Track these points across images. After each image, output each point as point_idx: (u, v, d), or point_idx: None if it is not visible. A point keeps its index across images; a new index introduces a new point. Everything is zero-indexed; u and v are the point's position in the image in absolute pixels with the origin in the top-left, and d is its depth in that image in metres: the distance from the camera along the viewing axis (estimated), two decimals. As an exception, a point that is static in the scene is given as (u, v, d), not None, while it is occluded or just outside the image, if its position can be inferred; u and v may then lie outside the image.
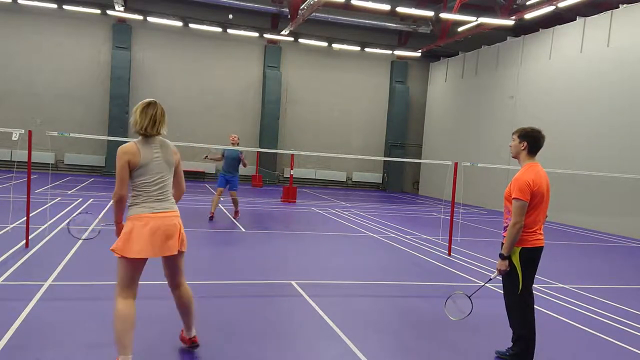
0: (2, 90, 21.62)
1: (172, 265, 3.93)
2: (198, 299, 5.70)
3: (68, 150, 22.53)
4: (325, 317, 5.27)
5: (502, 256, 4.27)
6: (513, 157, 4.54)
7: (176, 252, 3.78)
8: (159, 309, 5.00)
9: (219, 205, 14.47)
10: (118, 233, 3.75)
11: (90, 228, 4.67)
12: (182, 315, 4.12)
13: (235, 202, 12.23)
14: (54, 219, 9.98)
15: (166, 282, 4.06)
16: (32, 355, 3.90)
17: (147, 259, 3.73)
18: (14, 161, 20.73)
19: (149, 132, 3.69)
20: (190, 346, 4.17)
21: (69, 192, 14.87)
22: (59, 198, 13.30)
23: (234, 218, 12.12)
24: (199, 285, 6.26)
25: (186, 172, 27.93)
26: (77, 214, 4.87)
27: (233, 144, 11.80)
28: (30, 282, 5.78)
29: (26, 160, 7.68)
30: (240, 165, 11.94)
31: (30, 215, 7.71)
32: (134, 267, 3.68)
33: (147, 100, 3.80)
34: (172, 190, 3.87)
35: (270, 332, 4.77)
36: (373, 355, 4.38)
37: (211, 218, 11.70)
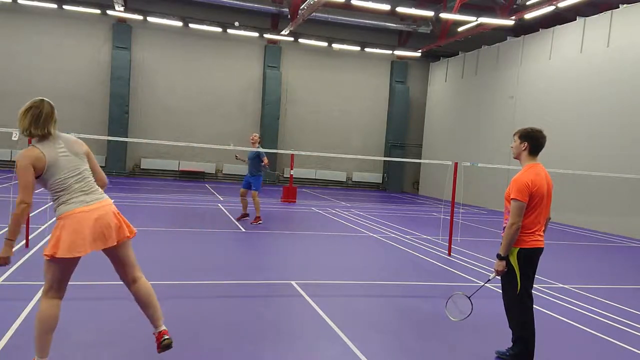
0: (2, 90, 21.61)
1: (120, 258, 3.67)
2: (198, 299, 5.72)
3: (68, 150, 22.51)
4: (325, 317, 5.27)
5: (499, 256, 4.27)
6: (515, 158, 4.52)
7: (116, 242, 3.56)
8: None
9: (220, 205, 14.48)
10: (8, 253, 3.52)
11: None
12: (144, 310, 3.74)
13: (255, 205, 11.46)
14: (54, 219, 9.96)
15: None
16: (32, 355, 3.89)
17: (79, 258, 3.50)
18: (14, 161, 20.71)
19: (33, 133, 3.48)
20: (161, 343, 3.71)
21: (69, 192, 14.86)
22: (59, 198, 13.29)
23: (252, 222, 11.39)
24: (198, 286, 6.26)
25: (186, 172, 27.75)
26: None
27: (253, 144, 11.61)
28: (30, 282, 5.77)
29: (26, 160, 7.67)
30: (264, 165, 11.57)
31: (30, 215, 7.71)
32: (67, 267, 3.50)
33: (32, 100, 3.58)
34: (95, 180, 3.68)
35: (270, 332, 4.77)
36: (373, 356, 4.38)
37: (242, 217, 11.70)
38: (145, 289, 3.72)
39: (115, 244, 3.56)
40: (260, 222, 11.41)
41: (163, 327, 3.76)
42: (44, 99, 3.59)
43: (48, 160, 3.45)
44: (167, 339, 3.70)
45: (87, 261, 7.04)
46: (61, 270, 3.49)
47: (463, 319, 4.66)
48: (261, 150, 11.37)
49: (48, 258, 3.42)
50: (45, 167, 3.46)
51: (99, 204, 3.54)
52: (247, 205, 11.82)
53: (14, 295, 5.34)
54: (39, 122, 3.49)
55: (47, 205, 11.20)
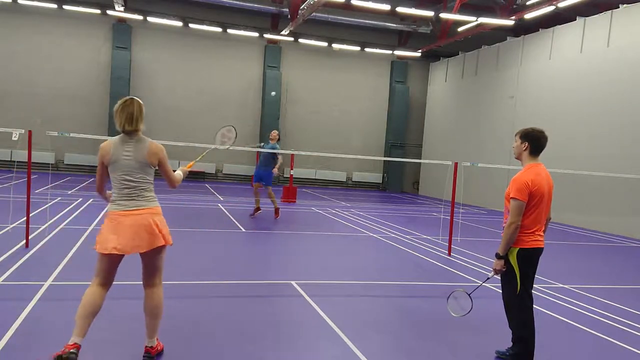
0: (2, 90, 21.62)
1: (146, 263, 3.89)
2: (198, 299, 5.72)
3: (68, 150, 22.54)
4: (325, 317, 5.27)
5: (497, 255, 4.27)
6: (516, 159, 4.52)
7: (145, 250, 3.74)
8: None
9: (220, 205, 14.48)
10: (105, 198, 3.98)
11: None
12: (145, 318, 3.95)
13: (271, 200, 12.43)
14: (54, 219, 9.98)
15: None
16: (32, 355, 3.90)
17: (122, 255, 3.75)
18: (14, 161, 20.73)
19: (126, 129, 3.77)
20: (145, 355, 3.91)
21: (69, 192, 14.87)
22: (59, 198, 13.30)
23: (276, 217, 12.44)
24: (198, 286, 6.27)
25: (186, 172, 27.61)
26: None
27: (272, 140, 12.46)
28: (30, 282, 5.78)
29: (26, 160, 7.68)
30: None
31: (30, 215, 7.71)
32: (106, 260, 3.75)
33: (125, 97, 3.90)
34: (148, 186, 3.85)
35: (270, 332, 4.77)
36: (373, 356, 4.38)
37: (254, 212, 12.36)
38: (151, 301, 3.91)
39: (142, 251, 3.76)
40: (278, 215, 12.41)
41: (152, 343, 3.94)
42: (134, 98, 3.87)
43: (111, 157, 3.75)
44: (146, 355, 3.91)
45: (88, 261, 7.04)
46: (103, 262, 3.76)
47: (464, 314, 4.69)
48: (278, 149, 12.17)
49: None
50: (108, 162, 3.77)
51: (135, 211, 3.73)
52: (260, 200, 12.59)
53: (14, 295, 5.34)
54: (131, 120, 3.79)
55: (47, 206, 11.20)
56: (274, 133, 12.58)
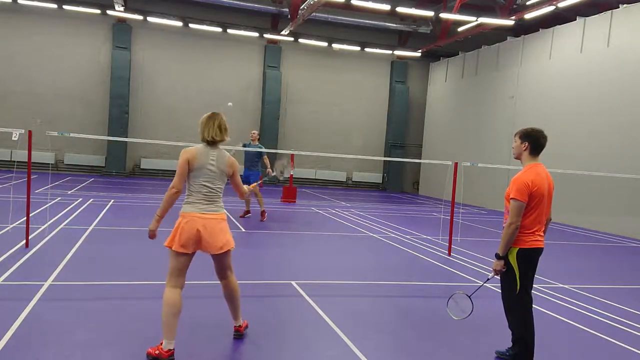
0: (2, 90, 21.61)
1: (218, 262, 4.31)
2: (198, 299, 5.72)
3: (68, 150, 22.52)
4: (325, 317, 5.27)
5: (497, 256, 4.27)
6: (516, 159, 4.52)
7: (216, 252, 4.13)
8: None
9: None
10: (153, 226, 4.14)
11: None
12: (228, 305, 4.50)
13: (257, 199, 12.09)
14: (54, 219, 9.98)
15: (220, 279, 4.44)
16: (32, 355, 3.90)
17: (193, 253, 4.12)
18: (14, 161, 20.72)
19: (216, 139, 4.13)
20: (234, 334, 4.52)
21: (69, 192, 14.88)
22: (59, 198, 13.30)
23: (261, 220, 11.91)
24: (198, 286, 6.26)
25: (186, 172, 27.67)
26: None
27: (252, 140, 12.34)
28: (30, 282, 5.78)
29: (26, 160, 7.69)
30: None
31: (30, 215, 7.71)
32: (180, 259, 4.07)
33: (211, 112, 4.29)
34: (221, 194, 4.23)
35: (270, 332, 4.77)
36: (373, 355, 4.38)
37: (245, 214, 12.24)
38: (227, 289, 4.42)
39: (215, 252, 4.16)
40: (264, 218, 12.02)
41: (239, 323, 4.53)
42: (219, 112, 4.28)
43: (197, 164, 4.07)
44: (236, 333, 4.53)
45: (88, 261, 7.05)
46: (174, 261, 4.08)
47: (464, 317, 4.67)
48: (263, 149, 11.88)
49: (167, 247, 4.10)
50: (194, 168, 4.08)
51: (211, 215, 4.11)
52: (250, 202, 12.41)
53: (14, 295, 5.34)
54: (220, 130, 4.17)
55: (47, 206, 11.20)
56: (255, 133, 12.50)
